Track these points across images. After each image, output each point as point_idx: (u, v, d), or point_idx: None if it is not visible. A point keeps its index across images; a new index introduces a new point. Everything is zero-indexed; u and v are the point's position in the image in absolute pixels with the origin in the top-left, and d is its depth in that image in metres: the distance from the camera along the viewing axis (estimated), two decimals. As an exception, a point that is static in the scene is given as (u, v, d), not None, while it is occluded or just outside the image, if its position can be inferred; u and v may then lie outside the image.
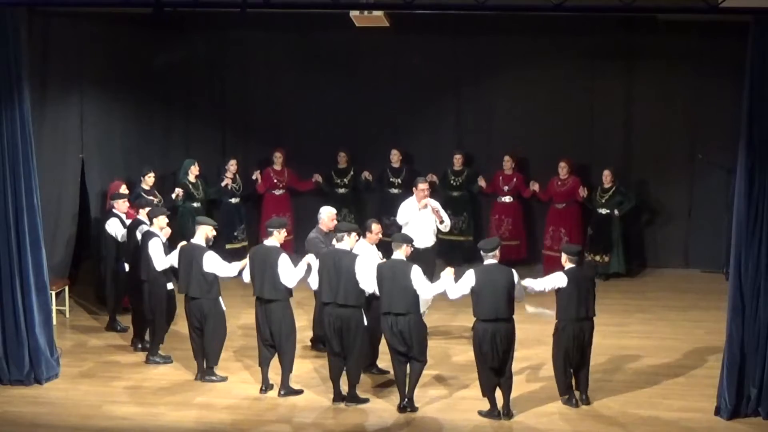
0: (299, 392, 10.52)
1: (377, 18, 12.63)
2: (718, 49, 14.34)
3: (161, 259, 11.07)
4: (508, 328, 9.80)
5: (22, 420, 9.93)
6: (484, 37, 15.15)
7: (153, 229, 11.29)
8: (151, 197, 13.15)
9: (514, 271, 9.91)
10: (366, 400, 10.30)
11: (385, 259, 10.50)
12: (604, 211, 14.83)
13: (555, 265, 10.44)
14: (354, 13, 12.52)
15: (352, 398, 10.25)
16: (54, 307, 12.02)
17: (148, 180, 13.60)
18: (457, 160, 15.37)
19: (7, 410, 10.15)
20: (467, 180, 15.35)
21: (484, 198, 15.57)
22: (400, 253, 10.08)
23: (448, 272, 10.12)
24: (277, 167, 15.41)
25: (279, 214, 14.88)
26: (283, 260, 10.23)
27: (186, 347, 11.04)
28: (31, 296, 10.66)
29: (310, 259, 10.38)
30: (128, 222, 12.21)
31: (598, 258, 14.78)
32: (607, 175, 14.82)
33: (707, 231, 15.10)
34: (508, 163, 15.21)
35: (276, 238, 10.40)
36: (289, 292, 10.35)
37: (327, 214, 11.35)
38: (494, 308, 9.72)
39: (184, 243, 10.99)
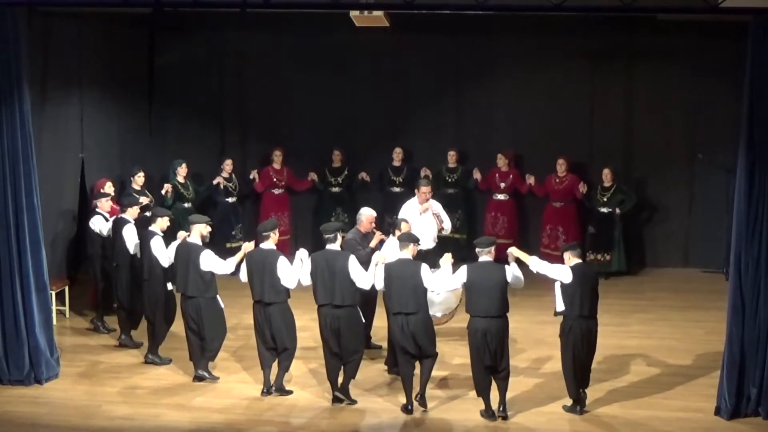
0: (289, 393, 10.54)
1: (377, 18, 12.63)
2: (718, 49, 14.36)
3: (165, 256, 11.09)
4: (500, 326, 9.74)
5: (22, 420, 9.92)
6: (484, 37, 15.17)
7: (153, 228, 11.30)
8: (141, 197, 13.12)
9: (507, 267, 9.84)
10: (355, 402, 10.29)
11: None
12: (605, 209, 14.85)
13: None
14: (354, 13, 12.52)
15: (343, 391, 10.25)
16: (54, 307, 12.04)
17: (138, 180, 13.61)
18: (452, 157, 15.39)
19: (7, 410, 10.15)
20: (462, 177, 15.37)
21: (479, 195, 15.58)
22: (407, 253, 10.08)
23: (447, 258, 10.16)
24: (277, 166, 15.42)
25: (278, 214, 14.90)
26: (282, 262, 10.24)
27: (185, 347, 11.02)
28: (31, 296, 10.65)
29: (302, 254, 10.38)
30: (111, 220, 12.26)
31: (599, 257, 14.80)
32: (607, 174, 14.85)
33: (707, 231, 15.12)
34: (501, 161, 15.22)
35: (272, 240, 10.40)
36: (288, 293, 10.36)
37: (366, 216, 11.34)
38: (486, 305, 9.70)
39: (182, 233, 10.98)
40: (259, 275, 10.28)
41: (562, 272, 9.90)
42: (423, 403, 10.08)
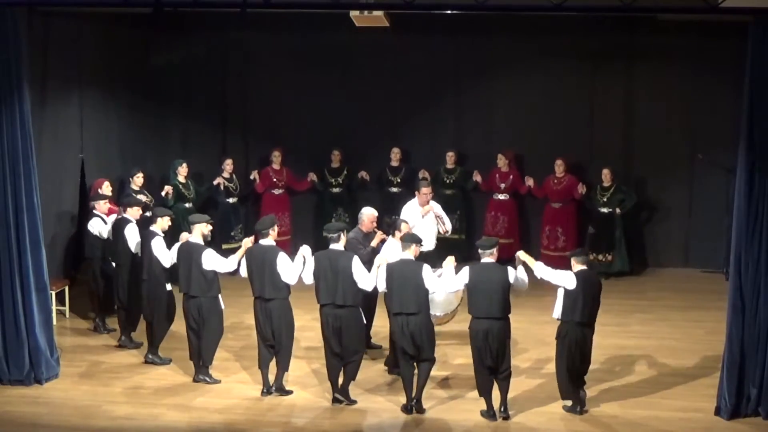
0: (289, 392, 10.54)
1: (377, 18, 12.63)
2: (718, 49, 14.36)
3: (166, 256, 11.09)
4: (501, 327, 9.74)
5: (22, 420, 9.93)
6: (484, 37, 15.17)
7: (154, 228, 11.29)
8: (140, 196, 13.13)
9: (510, 268, 9.85)
10: (354, 402, 10.30)
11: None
12: (605, 209, 14.85)
13: (551, 265, 10.39)
14: (354, 13, 12.52)
15: (343, 392, 10.26)
16: (54, 307, 12.04)
17: (137, 180, 13.62)
18: (450, 158, 15.40)
19: (7, 410, 10.15)
20: (460, 178, 15.38)
21: (478, 196, 15.58)
22: (409, 253, 10.08)
23: (450, 261, 10.14)
24: (276, 166, 15.44)
25: (278, 214, 14.89)
26: (282, 258, 10.24)
27: (185, 347, 11.03)
28: (31, 296, 10.65)
29: (305, 251, 10.37)
30: (109, 220, 12.27)
31: (600, 257, 14.80)
32: (606, 174, 14.85)
33: (707, 231, 15.13)
34: (502, 161, 15.22)
35: (271, 237, 10.41)
36: (289, 289, 10.36)
37: (368, 215, 11.37)
38: (487, 307, 9.70)
39: (185, 235, 10.99)
40: (258, 271, 10.28)
41: (566, 278, 9.88)
42: (419, 408, 10.07)
